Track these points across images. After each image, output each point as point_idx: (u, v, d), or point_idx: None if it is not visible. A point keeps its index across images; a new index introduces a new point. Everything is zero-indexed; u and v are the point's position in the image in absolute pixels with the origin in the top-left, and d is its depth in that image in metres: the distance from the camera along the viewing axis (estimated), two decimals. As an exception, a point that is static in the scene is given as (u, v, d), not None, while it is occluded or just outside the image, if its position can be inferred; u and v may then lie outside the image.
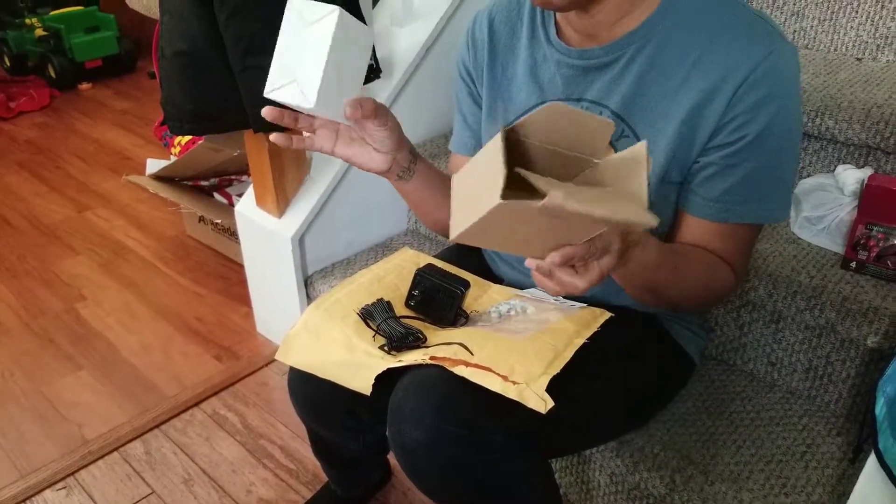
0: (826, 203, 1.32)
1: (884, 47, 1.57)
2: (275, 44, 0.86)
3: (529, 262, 0.73)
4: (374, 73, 1.59)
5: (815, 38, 1.66)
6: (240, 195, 1.88)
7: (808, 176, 1.42)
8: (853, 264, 1.24)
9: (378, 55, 1.60)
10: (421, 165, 1.01)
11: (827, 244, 1.31)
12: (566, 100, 1.00)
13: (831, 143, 1.38)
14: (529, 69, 1.03)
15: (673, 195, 0.97)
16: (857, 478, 0.96)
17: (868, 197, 1.21)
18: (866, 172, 1.30)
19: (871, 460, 0.96)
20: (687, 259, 0.95)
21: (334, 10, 0.81)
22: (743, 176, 0.91)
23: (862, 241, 1.22)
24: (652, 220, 0.66)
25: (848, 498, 0.94)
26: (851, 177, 1.30)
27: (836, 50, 1.64)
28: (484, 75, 1.08)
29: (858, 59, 1.59)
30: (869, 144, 1.31)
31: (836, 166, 1.38)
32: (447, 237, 1.13)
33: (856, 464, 1.14)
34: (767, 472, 1.14)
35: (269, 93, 0.87)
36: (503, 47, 1.06)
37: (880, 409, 0.97)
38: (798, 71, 0.91)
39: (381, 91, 1.70)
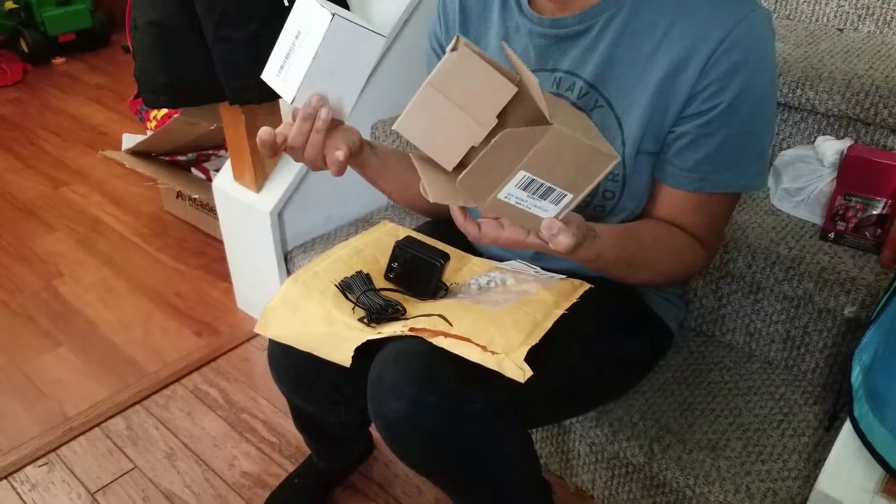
0: (805, 174, 1.32)
1: (865, 18, 1.57)
2: (246, 15, 0.87)
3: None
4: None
5: (796, 7, 1.66)
6: (217, 170, 1.86)
7: (788, 147, 1.42)
8: (832, 235, 1.25)
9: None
10: (371, 159, 1.02)
11: (806, 216, 1.32)
12: (540, 70, 0.99)
13: (811, 115, 1.38)
14: (502, 40, 1.02)
15: (648, 166, 0.97)
16: (833, 445, 0.97)
17: (847, 167, 1.22)
18: (846, 143, 1.30)
19: (847, 427, 0.97)
20: (649, 247, 0.95)
21: (327, 17, 0.83)
22: (718, 144, 0.91)
23: (840, 212, 1.23)
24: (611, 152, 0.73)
25: (823, 465, 0.95)
26: (831, 148, 1.30)
27: (817, 20, 1.64)
28: None
29: (840, 30, 1.59)
30: (849, 115, 1.31)
31: (815, 138, 1.38)
32: (418, 212, 1.13)
33: (831, 431, 1.15)
34: (745, 440, 1.15)
35: (264, 77, 0.91)
36: (475, 18, 1.05)
37: (856, 377, 0.98)
38: (772, 36, 0.91)
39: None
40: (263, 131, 0.89)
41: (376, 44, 0.88)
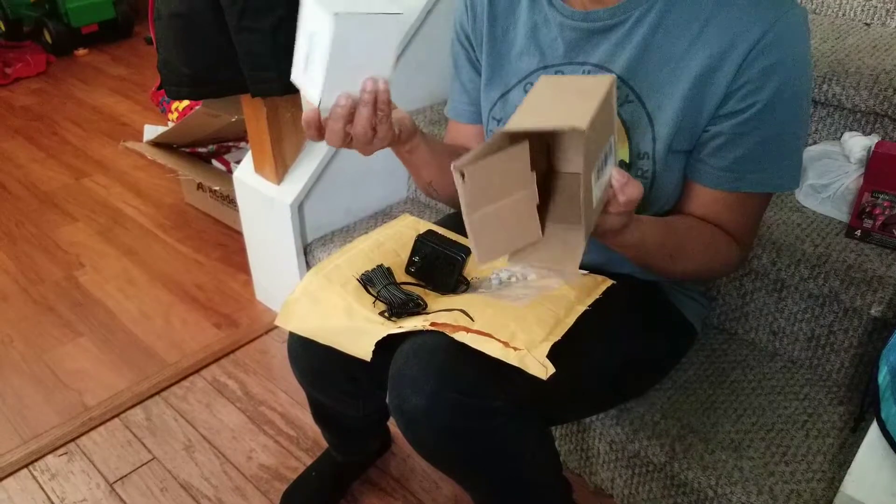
0: (832, 171, 1.30)
1: (893, 12, 1.54)
2: (269, 5, 0.85)
3: None
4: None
5: (823, 2, 1.63)
6: (238, 162, 1.87)
7: (814, 143, 1.40)
8: (858, 233, 1.23)
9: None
10: (423, 145, 0.98)
11: (832, 212, 1.30)
12: (568, 64, 0.98)
13: (838, 110, 1.36)
14: (530, 32, 1.00)
15: (680, 164, 0.96)
16: (858, 447, 0.96)
17: (875, 164, 1.20)
18: (873, 139, 1.28)
19: (873, 429, 0.96)
20: (687, 238, 0.94)
21: (330, 18, 0.78)
22: (754, 144, 0.90)
23: (867, 210, 1.21)
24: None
25: (849, 466, 0.94)
26: (858, 144, 1.28)
27: (844, 15, 1.61)
28: (483, 40, 1.06)
29: (867, 25, 1.56)
30: (876, 111, 1.29)
31: (842, 133, 1.36)
32: (442, 201, 1.11)
33: (857, 432, 1.14)
34: (768, 440, 1.14)
35: (292, 78, 0.87)
36: (503, 10, 1.04)
37: (883, 377, 0.96)
38: (808, 35, 0.89)
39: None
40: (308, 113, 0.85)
41: (395, 22, 0.83)
